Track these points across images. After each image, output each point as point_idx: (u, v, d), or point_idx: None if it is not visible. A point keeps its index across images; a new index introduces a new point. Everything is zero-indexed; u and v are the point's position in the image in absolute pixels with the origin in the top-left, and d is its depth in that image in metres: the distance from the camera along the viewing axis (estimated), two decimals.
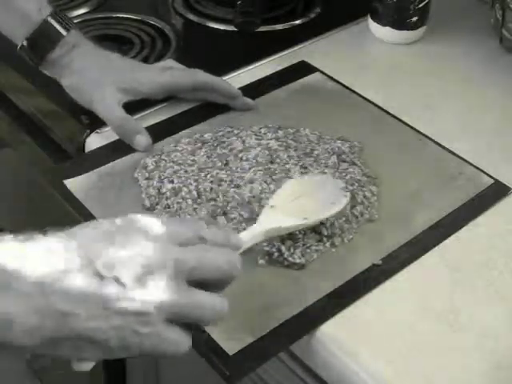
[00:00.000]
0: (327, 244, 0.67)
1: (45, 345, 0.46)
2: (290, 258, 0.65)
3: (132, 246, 0.48)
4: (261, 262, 0.66)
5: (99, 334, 0.46)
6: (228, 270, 0.51)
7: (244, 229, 0.66)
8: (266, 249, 0.66)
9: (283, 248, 0.66)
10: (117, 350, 0.47)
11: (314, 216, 0.66)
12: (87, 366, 0.49)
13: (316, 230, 0.68)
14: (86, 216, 0.70)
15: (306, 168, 0.74)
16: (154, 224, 0.50)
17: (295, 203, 0.66)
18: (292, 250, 0.66)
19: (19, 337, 0.45)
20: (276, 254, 0.66)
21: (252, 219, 0.67)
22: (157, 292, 0.47)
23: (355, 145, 0.79)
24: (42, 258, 0.46)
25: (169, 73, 0.83)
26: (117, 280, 0.46)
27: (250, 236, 0.60)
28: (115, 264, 0.47)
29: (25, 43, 0.81)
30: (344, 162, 0.76)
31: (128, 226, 0.49)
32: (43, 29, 0.80)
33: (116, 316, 0.46)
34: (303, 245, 0.67)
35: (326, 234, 0.68)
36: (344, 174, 0.74)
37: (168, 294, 0.47)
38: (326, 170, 0.74)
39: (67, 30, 0.81)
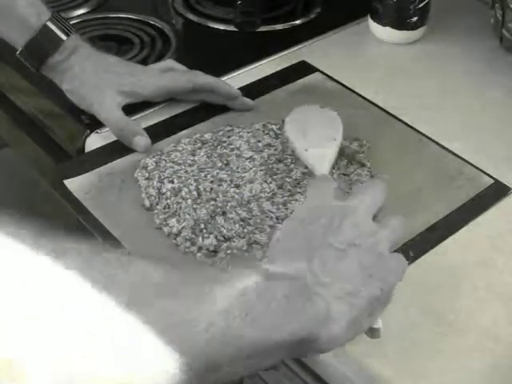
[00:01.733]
0: None
1: None
2: None
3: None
4: None
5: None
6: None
7: (242, 228, 0.66)
8: None
9: None
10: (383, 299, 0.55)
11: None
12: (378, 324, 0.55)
13: None
14: (86, 216, 0.70)
15: (306, 168, 0.74)
16: None
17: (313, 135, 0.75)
18: None
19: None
20: None
21: (250, 219, 0.67)
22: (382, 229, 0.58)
23: (363, 144, 0.78)
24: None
25: (168, 75, 0.83)
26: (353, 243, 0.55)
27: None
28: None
29: (24, 48, 0.80)
30: None
31: None
32: (43, 34, 0.80)
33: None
34: None
35: None
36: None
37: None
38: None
39: (67, 34, 0.80)
